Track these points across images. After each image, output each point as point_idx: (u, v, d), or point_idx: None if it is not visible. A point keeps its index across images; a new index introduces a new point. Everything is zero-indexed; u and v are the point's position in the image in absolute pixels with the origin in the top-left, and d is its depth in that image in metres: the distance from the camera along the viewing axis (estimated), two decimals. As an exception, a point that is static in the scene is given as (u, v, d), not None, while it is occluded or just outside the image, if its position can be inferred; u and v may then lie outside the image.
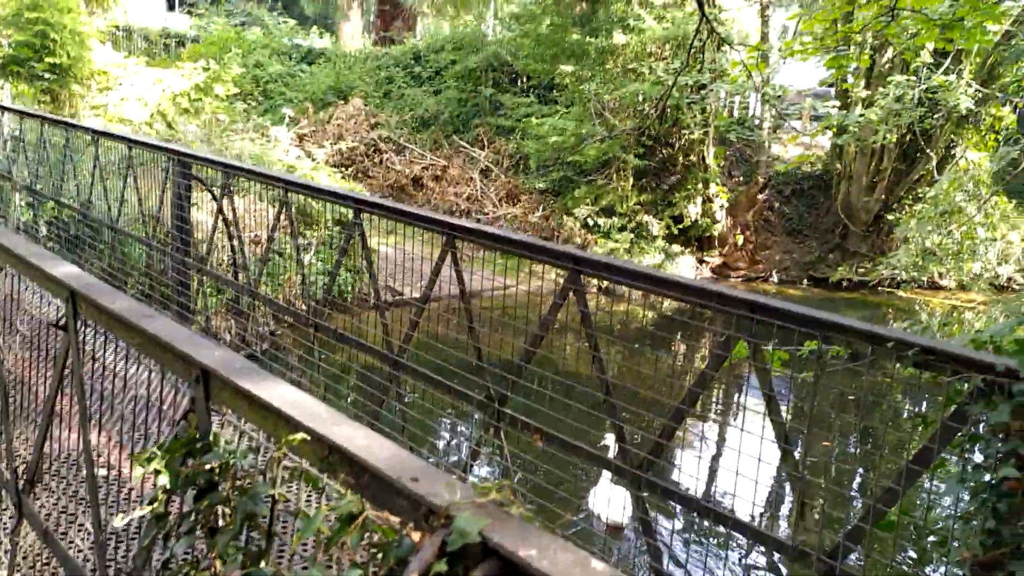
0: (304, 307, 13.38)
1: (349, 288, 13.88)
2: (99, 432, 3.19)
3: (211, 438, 1.83)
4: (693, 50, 6.78)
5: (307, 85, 22.69)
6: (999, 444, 2.25)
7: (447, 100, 21.12)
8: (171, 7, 42.00)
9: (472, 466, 4.03)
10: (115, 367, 2.78)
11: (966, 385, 2.35)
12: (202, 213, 12.62)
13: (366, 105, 21.71)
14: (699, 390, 3.04)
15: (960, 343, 2.94)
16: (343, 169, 19.47)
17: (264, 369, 1.84)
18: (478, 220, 18.17)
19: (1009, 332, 5.34)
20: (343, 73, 22.92)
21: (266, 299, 6.41)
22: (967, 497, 2.34)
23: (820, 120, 20.86)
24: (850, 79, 18.91)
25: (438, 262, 4.43)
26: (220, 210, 5.97)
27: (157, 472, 1.82)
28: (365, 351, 4.96)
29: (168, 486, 1.82)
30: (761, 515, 7.47)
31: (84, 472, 2.80)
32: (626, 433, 3.24)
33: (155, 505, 1.88)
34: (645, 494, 3.15)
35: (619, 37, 15.66)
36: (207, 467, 1.77)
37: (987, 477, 2.27)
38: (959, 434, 2.38)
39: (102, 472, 2.97)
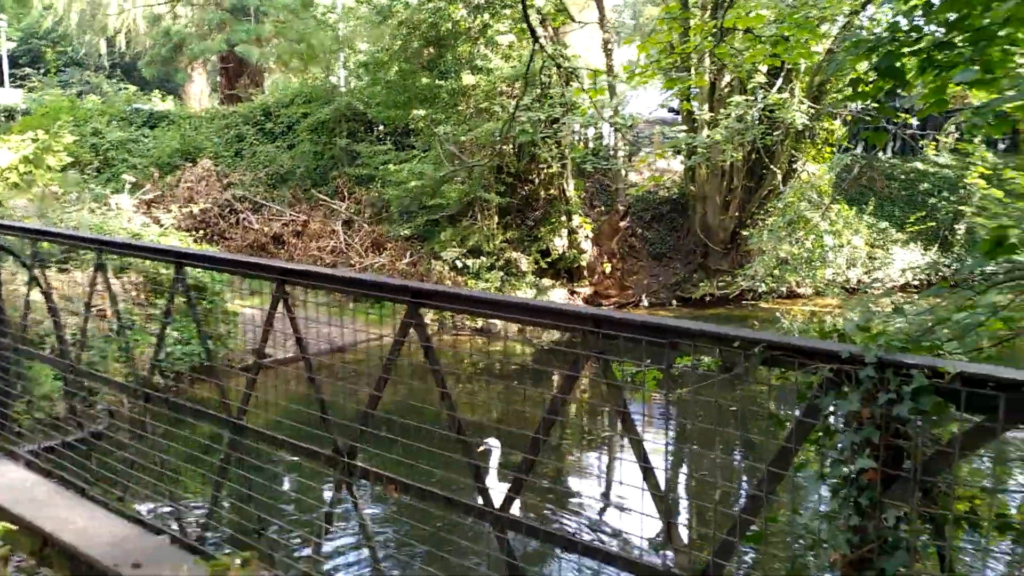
0: (161, 380, 12.62)
1: (208, 355, 13.12)
2: None
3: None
4: (528, 75, 6.76)
5: (151, 150, 21.80)
6: (854, 435, 2.16)
7: (302, 154, 20.67)
8: (0, 83, 39.88)
9: (328, 529, 3.70)
10: None
11: (815, 377, 2.26)
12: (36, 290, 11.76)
13: (216, 165, 21.00)
14: (554, 417, 2.86)
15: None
16: (195, 233, 18.67)
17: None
18: (344, 272, 17.75)
19: (856, 331, 5.46)
20: (188, 135, 22.14)
21: (88, 373, 5.83)
22: (829, 495, 2.24)
23: (685, 148, 21.65)
24: (694, 103, 19.70)
25: (270, 311, 4.10)
26: (32, 280, 5.43)
27: None
28: (202, 419, 4.56)
29: None
30: (636, 542, 7.34)
31: None
32: (482, 472, 3.02)
33: None
34: (509, 535, 2.94)
35: (468, 78, 15.73)
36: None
37: (845, 471, 2.17)
38: (814, 430, 2.28)
39: None
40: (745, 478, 9.08)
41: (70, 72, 44.13)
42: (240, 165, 21.41)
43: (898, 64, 5.56)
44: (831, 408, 2.22)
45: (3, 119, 25.55)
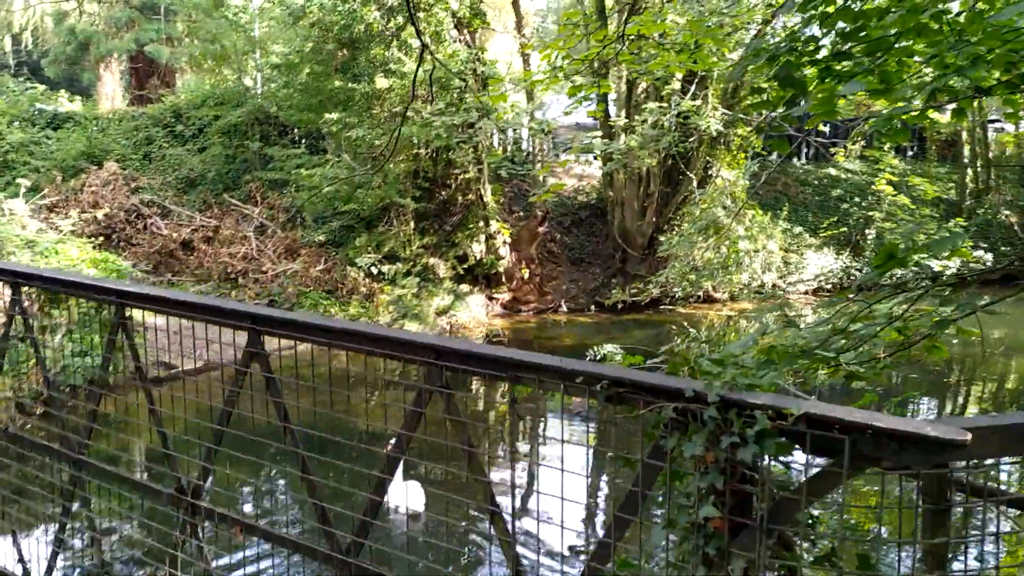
0: (53, 393, 11.97)
1: (111, 369, 12.49)
2: None
3: None
4: (417, 79, 6.54)
5: (55, 152, 20.84)
6: (700, 480, 2.00)
7: (213, 157, 20.04)
8: None
9: (172, 574, 3.41)
10: None
11: (660, 416, 2.09)
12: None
13: (124, 169, 20.22)
14: (398, 454, 2.65)
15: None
16: (98, 239, 17.91)
17: None
18: (255, 280, 17.22)
19: (753, 344, 5.39)
20: (95, 137, 21.26)
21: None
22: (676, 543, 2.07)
23: (602, 154, 21.70)
24: (612, 110, 19.76)
25: (110, 336, 3.79)
26: None
27: None
28: (38, 451, 4.21)
29: None
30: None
31: None
32: (329, 514, 2.79)
33: None
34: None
35: (381, 82, 15.41)
36: None
37: (691, 518, 2.00)
38: (658, 473, 2.12)
39: None
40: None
41: (-28, 71, 42.16)
42: (149, 169, 20.66)
43: (797, 74, 5.50)
44: (677, 450, 2.06)
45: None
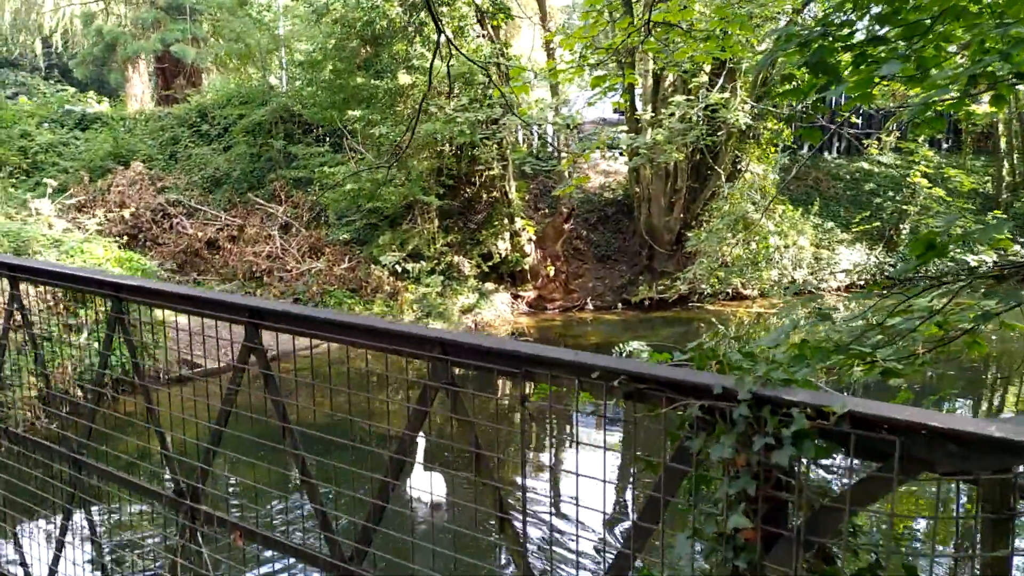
0: (80, 394, 11.97)
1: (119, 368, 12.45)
2: None
3: None
4: (434, 73, 6.35)
5: (83, 153, 20.98)
6: (728, 486, 1.79)
7: (238, 156, 20.03)
8: (-70, 84, 38.50)
9: (172, 579, 3.26)
10: None
11: (684, 415, 1.89)
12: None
13: (150, 169, 20.29)
14: (402, 458, 2.47)
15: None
16: (124, 239, 17.97)
17: None
18: (280, 279, 17.17)
19: (785, 338, 5.14)
20: (122, 137, 21.36)
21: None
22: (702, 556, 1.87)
23: (627, 149, 21.42)
24: (639, 104, 19.46)
25: (108, 332, 3.65)
26: None
27: None
28: (43, 453, 4.08)
29: None
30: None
31: None
32: (331, 519, 2.62)
33: None
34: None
35: (404, 78, 15.27)
36: None
37: (715, 529, 1.80)
38: (683, 478, 1.91)
39: None
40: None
41: (3, 73, 42.77)
42: (175, 168, 20.72)
43: (831, 60, 5.24)
44: (705, 452, 1.85)
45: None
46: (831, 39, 5.20)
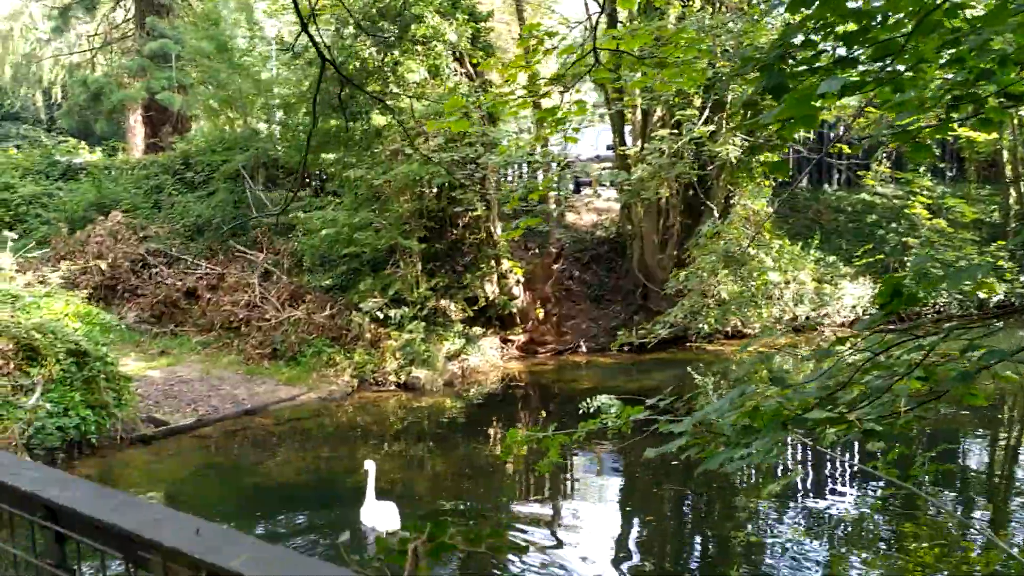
0: (28, 458, 11.31)
1: (93, 429, 11.86)
2: None
3: None
4: (317, 102, 5.83)
5: (67, 203, 20.65)
6: None
7: (220, 203, 19.60)
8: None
9: None
10: None
11: None
12: None
13: (134, 218, 19.88)
14: None
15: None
16: (101, 290, 17.50)
17: None
18: (259, 328, 16.58)
19: (732, 405, 4.46)
20: (106, 187, 21.01)
21: None
22: None
23: (612, 185, 20.87)
24: (628, 141, 18.95)
25: None
26: None
27: None
28: None
29: None
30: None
31: None
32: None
33: None
34: None
35: (379, 119, 14.82)
36: None
37: None
38: None
39: None
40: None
41: (6, 126, 42.91)
42: (158, 217, 20.32)
43: (792, 83, 4.60)
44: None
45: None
46: (793, 61, 4.60)
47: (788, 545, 8.54)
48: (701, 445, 5.00)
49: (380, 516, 8.38)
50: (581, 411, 9.14)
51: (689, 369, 8.85)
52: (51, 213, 20.22)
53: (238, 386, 15.11)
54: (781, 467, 11.06)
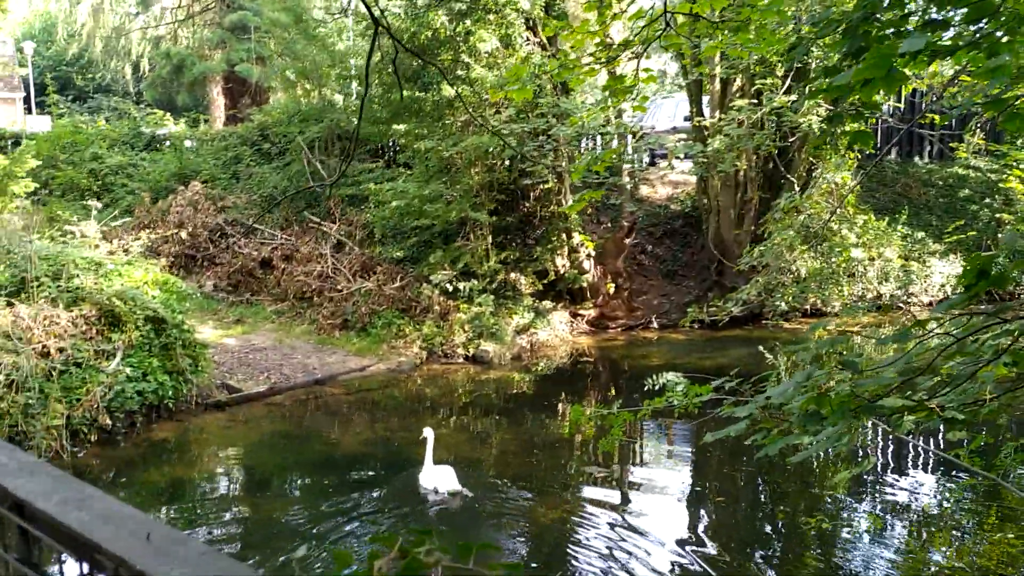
0: (108, 422, 11.64)
1: (170, 394, 12.16)
2: None
3: None
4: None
5: (150, 174, 21.21)
6: None
7: (295, 175, 19.83)
8: (29, 110, 40.15)
9: None
10: None
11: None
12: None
13: (213, 189, 20.29)
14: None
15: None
16: (181, 259, 17.94)
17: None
18: (330, 299, 16.76)
19: (798, 389, 4.18)
20: (187, 158, 21.50)
21: None
22: None
23: (690, 157, 20.33)
24: (706, 112, 18.38)
25: None
26: None
27: None
28: None
29: None
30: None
31: None
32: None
33: None
34: None
35: (449, 89, 14.67)
36: None
37: None
38: None
39: None
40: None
41: (98, 99, 44.41)
42: (236, 187, 20.69)
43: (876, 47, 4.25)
44: None
45: (10, 145, 25.26)
46: (879, 24, 4.25)
47: (863, 535, 8.19)
48: (766, 429, 4.75)
49: (438, 478, 8.82)
50: (646, 388, 8.92)
51: (761, 348, 8.51)
52: (135, 183, 20.79)
53: (309, 355, 15.32)
54: (860, 451, 10.64)
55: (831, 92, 4.30)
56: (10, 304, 11.42)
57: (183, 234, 18.31)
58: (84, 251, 13.52)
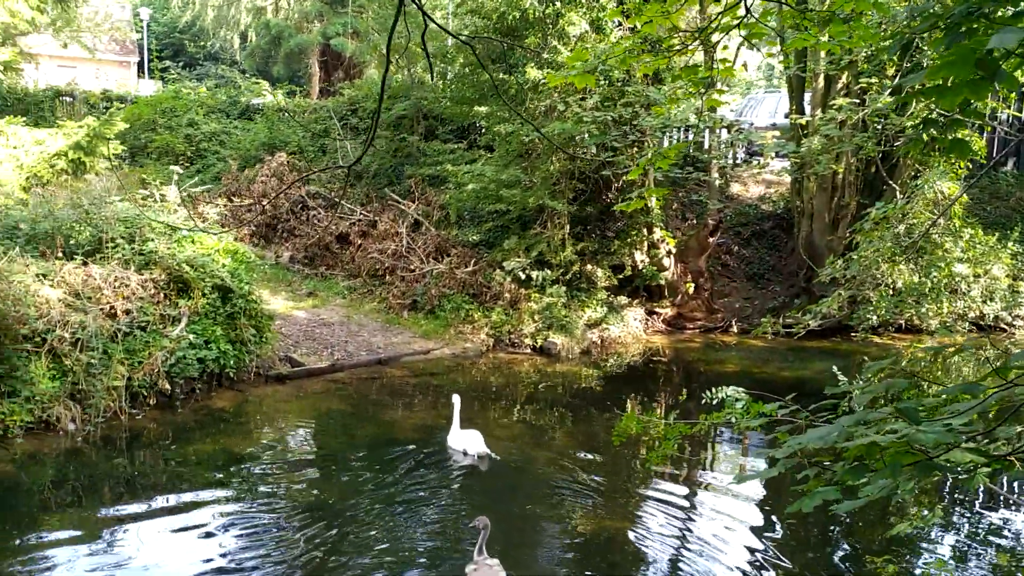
0: (168, 387, 11.71)
1: (232, 363, 12.18)
2: None
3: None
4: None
5: (241, 142, 21.51)
6: None
7: (379, 152, 19.74)
8: (142, 74, 41.56)
9: None
10: None
11: None
12: (45, 285, 11.09)
13: (299, 160, 20.41)
14: None
15: None
16: (262, 228, 18.09)
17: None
18: (402, 278, 16.60)
19: (840, 437, 3.63)
20: (277, 128, 21.71)
21: None
22: None
23: (783, 156, 19.35)
24: (807, 110, 17.43)
25: None
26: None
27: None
28: None
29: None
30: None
31: None
32: None
33: None
34: None
35: (534, 73, 14.20)
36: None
37: None
38: None
39: None
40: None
41: (207, 66, 45.61)
42: (322, 160, 20.77)
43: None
44: None
45: (114, 107, 26.06)
46: (985, 18, 3.62)
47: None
48: (808, 475, 4.20)
49: (466, 440, 9.45)
50: (704, 400, 8.33)
51: (835, 369, 7.81)
52: (227, 151, 21.10)
53: (376, 334, 15.19)
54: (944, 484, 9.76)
55: (927, 95, 3.69)
56: (84, 264, 11.56)
57: (265, 203, 18.44)
58: (161, 215, 13.64)
